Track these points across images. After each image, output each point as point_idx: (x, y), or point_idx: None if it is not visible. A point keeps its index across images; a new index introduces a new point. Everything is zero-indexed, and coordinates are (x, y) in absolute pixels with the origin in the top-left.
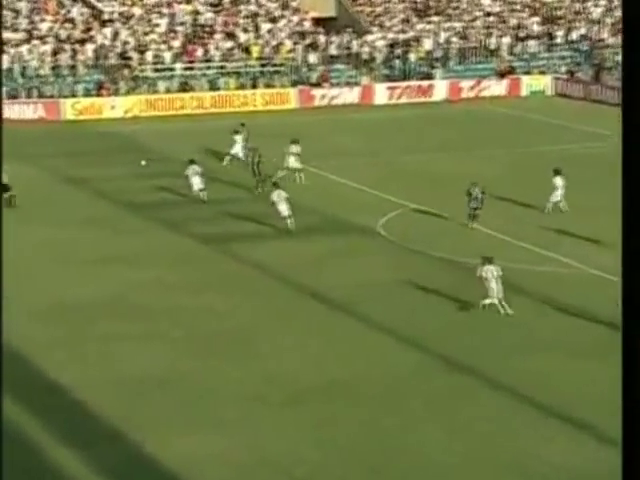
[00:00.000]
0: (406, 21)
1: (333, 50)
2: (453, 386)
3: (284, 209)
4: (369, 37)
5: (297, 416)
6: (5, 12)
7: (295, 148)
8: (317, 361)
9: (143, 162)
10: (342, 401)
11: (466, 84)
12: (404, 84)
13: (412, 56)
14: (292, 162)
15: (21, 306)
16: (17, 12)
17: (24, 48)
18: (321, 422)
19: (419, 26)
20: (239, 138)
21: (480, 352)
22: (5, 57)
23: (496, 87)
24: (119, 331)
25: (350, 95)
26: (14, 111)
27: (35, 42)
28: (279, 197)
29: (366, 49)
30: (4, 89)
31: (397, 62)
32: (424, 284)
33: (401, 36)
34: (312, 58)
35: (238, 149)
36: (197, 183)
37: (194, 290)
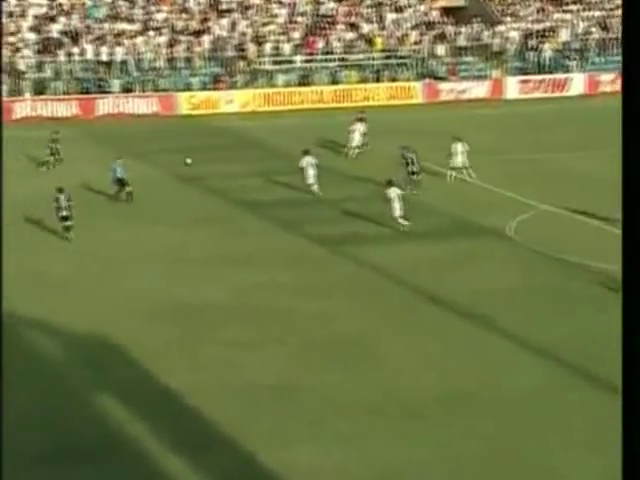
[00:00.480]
0: (541, 10)
1: (462, 41)
2: (588, 402)
3: (397, 208)
4: (501, 27)
5: (418, 429)
6: (121, 2)
7: (461, 146)
8: (438, 371)
9: (189, 160)
10: (466, 414)
11: (605, 78)
12: (538, 78)
13: (547, 48)
14: (459, 161)
15: (134, 307)
16: (133, 2)
17: (139, 40)
18: (443, 436)
19: (555, 15)
20: (360, 127)
21: (615, 363)
22: (120, 49)
23: None
24: (233, 335)
25: (479, 89)
26: (129, 106)
27: (150, 33)
28: (394, 194)
29: (497, 40)
30: (119, 82)
31: (531, 54)
32: (555, 290)
33: (535, 26)
34: (439, 50)
35: (357, 139)
36: (310, 176)
37: (310, 294)
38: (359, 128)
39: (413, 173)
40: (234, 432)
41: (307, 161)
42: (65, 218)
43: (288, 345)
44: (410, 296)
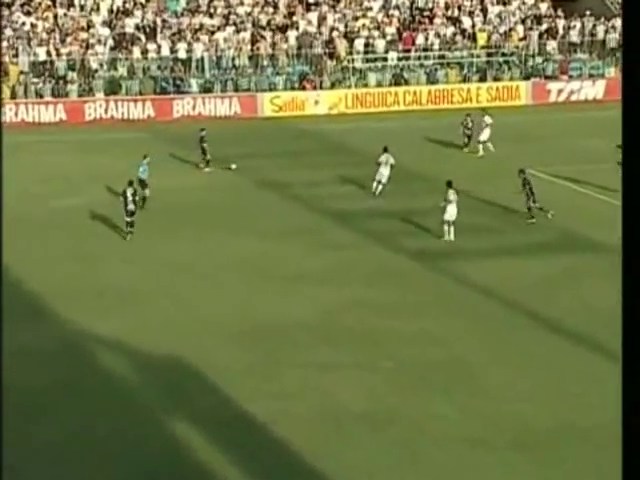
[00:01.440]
0: None
1: (574, 37)
2: None
3: (450, 212)
4: (618, 21)
5: (525, 463)
6: None
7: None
8: (547, 400)
9: (233, 166)
10: (578, 447)
11: None
12: None
13: None
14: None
15: (213, 326)
16: None
17: (219, 35)
18: (554, 471)
19: None
20: (489, 121)
21: None
22: (198, 45)
23: None
24: (320, 358)
25: (593, 89)
26: (207, 107)
27: (232, 28)
28: (453, 197)
29: (614, 35)
30: (197, 81)
31: None
32: None
33: None
34: (549, 46)
35: (487, 134)
36: (381, 174)
37: (406, 313)
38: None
39: (533, 201)
40: (321, 463)
41: (385, 157)
42: (131, 213)
43: (381, 369)
44: (513, 316)
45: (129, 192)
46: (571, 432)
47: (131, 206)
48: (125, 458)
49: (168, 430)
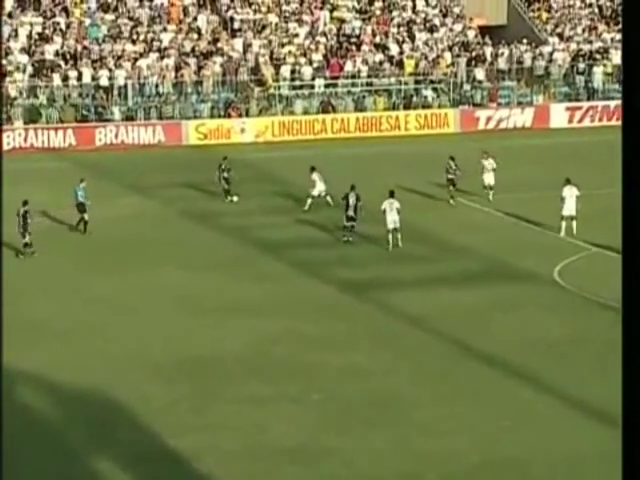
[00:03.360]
0: (592, 29)
1: (502, 64)
2: None
3: (391, 221)
4: (546, 48)
5: None
6: (124, 20)
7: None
8: (480, 434)
9: (235, 198)
10: None
11: None
12: (587, 104)
13: (598, 71)
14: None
15: (139, 359)
16: (136, 21)
17: (142, 62)
18: None
19: (607, 35)
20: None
21: None
22: (121, 72)
23: None
24: (249, 392)
25: (522, 117)
26: (130, 135)
27: (155, 55)
28: (391, 207)
29: (542, 63)
30: (120, 109)
31: (579, 78)
32: (609, 344)
33: (585, 47)
34: (477, 74)
35: (491, 178)
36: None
37: (337, 346)
38: (489, 165)
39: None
40: None
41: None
42: (28, 233)
43: (312, 403)
44: (445, 347)
45: (22, 210)
46: (503, 466)
47: (28, 227)
48: None
49: (91, 468)
